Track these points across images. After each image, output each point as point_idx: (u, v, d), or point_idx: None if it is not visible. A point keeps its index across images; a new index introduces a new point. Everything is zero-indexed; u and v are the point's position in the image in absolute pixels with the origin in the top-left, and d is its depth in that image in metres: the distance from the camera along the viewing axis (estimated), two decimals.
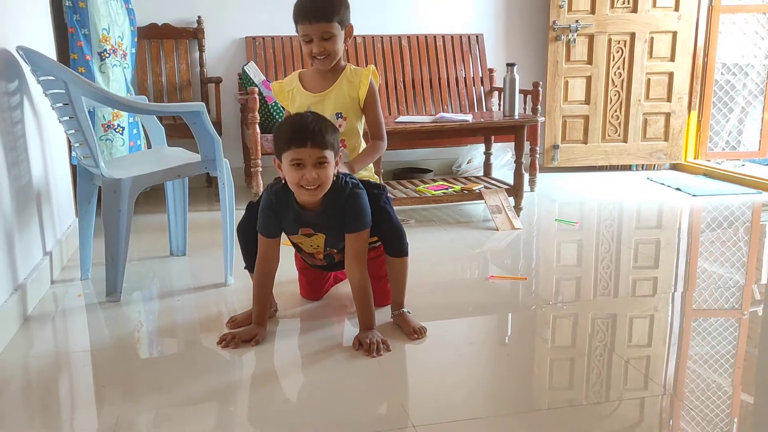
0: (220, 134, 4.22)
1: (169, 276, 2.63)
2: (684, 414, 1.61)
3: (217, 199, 2.66)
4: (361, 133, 2.20)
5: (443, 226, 3.38)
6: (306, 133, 1.76)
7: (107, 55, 3.15)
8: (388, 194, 2.11)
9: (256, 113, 3.52)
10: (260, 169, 3.59)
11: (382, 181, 2.47)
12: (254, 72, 3.79)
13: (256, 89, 3.55)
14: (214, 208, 2.89)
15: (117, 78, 3.22)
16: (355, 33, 4.33)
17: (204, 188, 4.18)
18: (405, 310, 2.10)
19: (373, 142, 2.18)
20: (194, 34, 4.14)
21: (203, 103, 2.41)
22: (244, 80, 3.80)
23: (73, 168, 2.85)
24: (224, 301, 2.37)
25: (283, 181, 1.88)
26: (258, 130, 3.54)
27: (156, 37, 4.08)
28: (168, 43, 4.11)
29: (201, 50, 4.14)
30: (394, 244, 2.05)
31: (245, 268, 2.15)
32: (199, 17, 4.12)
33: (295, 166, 1.78)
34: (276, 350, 1.96)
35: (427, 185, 3.66)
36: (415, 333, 2.00)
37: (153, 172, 2.37)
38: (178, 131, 3.44)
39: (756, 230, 3.41)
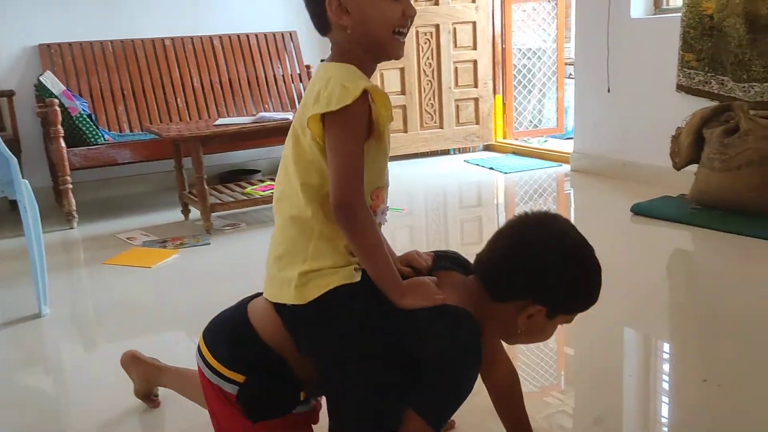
0: (19, 152, 3.89)
1: None
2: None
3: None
4: None
5: None
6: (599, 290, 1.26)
7: None
8: None
9: (59, 126, 3.24)
10: (70, 186, 3.32)
11: None
12: (52, 82, 3.49)
13: (56, 101, 3.27)
14: (21, 233, 2.63)
15: None
16: (162, 35, 4.17)
17: (8, 213, 3.78)
18: None
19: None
20: None
21: None
22: (42, 91, 3.48)
23: None
24: (41, 333, 2.16)
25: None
26: (63, 144, 3.27)
27: None
28: None
29: None
30: None
31: None
32: None
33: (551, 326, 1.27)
34: None
35: (254, 186, 3.59)
36: None
37: None
38: None
39: (562, 198, 3.74)
